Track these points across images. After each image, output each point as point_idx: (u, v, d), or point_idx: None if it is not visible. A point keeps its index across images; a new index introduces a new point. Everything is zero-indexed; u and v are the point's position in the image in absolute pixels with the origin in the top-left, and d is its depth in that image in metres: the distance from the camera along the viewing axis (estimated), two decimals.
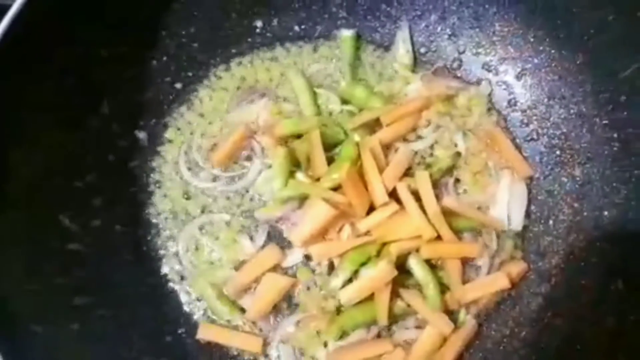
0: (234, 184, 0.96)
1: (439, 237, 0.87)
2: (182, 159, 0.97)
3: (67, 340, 0.72)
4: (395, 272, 0.83)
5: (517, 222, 0.92)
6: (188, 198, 0.95)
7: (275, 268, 0.90)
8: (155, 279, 0.91)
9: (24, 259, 0.73)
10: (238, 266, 0.91)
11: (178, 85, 1.00)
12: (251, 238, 0.93)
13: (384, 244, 0.87)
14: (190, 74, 1.01)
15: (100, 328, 0.79)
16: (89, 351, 0.75)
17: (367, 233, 0.88)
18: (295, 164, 0.93)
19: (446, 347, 0.85)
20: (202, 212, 0.94)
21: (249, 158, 0.97)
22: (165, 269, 0.92)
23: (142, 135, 0.97)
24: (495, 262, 0.90)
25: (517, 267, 0.90)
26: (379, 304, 0.84)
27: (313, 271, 0.90)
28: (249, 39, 1.03)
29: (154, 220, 0.94)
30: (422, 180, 0.89)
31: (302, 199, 0.90)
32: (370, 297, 0.85)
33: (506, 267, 0.90)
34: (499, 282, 0.88)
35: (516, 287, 0.90)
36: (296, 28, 1.04)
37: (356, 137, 0.93)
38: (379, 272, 0.83)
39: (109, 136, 0.91)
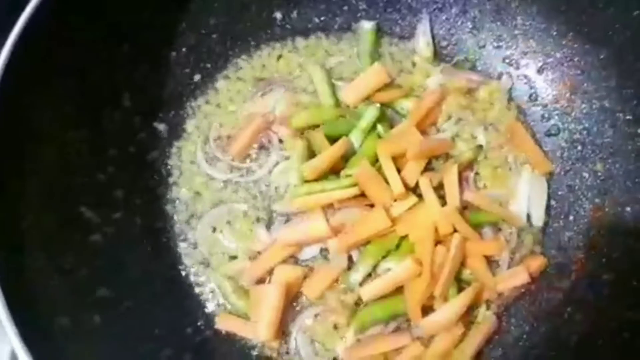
0: (251, 175, 0.96)
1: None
2: (199, 150, 0.97)
3: (89, 333, 0.73)
4: (420, 269, 0.83)
5: (538, 218, 0.92)
6: (206, 189, 0.95)
7: (291, 260, 0.90)
8: (174, 271, 0.91)
9: (46, 253, 0.73)
10: (254, 257, 0.91)
11: (197, 77, 1.00)
12: (268, 229, 0.93)
13: (404, 237, 0.88)
14: (208, 65, 1.00)
15: (121, 320, 0.79)
16: (110, 343, 0.76)
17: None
18: (312, 155, 0.93)
19: (466, 343, 0.85)
20: (220, 203, 0.94)
21: (266, 149, 0.97)
22: (184, 261, 0.92)
23: (162, 127, 0.97)
24: (515, 257, 0.90)
25: (536, 262, 0.90)
26: (411, 302, 0.84)
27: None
28: (268, 31, 1.03)
29: (171, 212, 0.94)
30: (450, 174, 0.89)
31: None
32: (391, 294, 0.86)
33: (526, 261, 0.90)
34: (519, 276, 0.87)
35: (536, 282, 0.90)
36: (316, 20, 1.04)
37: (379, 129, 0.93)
38: (404, 269, 0.83)
39: (130, 129, 0.92)
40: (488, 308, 0.89)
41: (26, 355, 0.61)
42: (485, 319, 0.88)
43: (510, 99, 0.99)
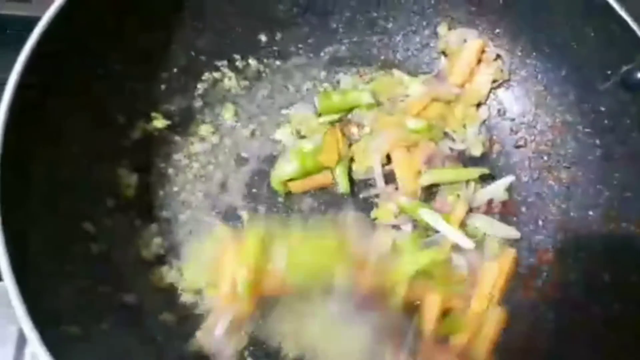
0: None
1: None
2: None
3: (98, 340, 0.75)
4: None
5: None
6: None
7: None
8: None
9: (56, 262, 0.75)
10: None
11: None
12: None
13: None
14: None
15: (125, 328, 0.81)
16: (118, 349, 0.78)
17: None
18: None
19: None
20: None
21: None
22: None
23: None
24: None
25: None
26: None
27: None
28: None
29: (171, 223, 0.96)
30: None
31: None
32: None
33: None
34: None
35: (510, 282, 0.96)
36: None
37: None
38: None
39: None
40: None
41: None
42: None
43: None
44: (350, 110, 1.04)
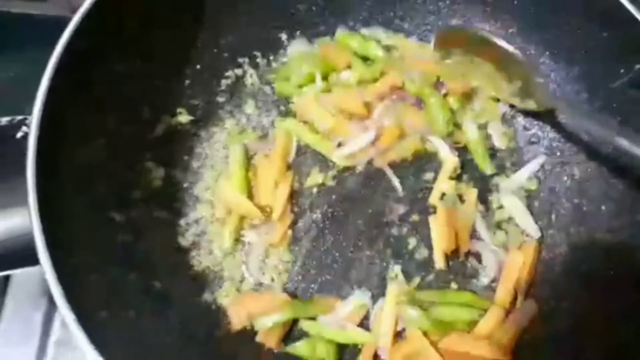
0: None
1: None
2: None
3: (125, 327, 0.78)
4: None
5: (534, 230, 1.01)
6: None
7: None
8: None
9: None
10: None
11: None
12: None
13: None
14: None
15: (150, 315, 0.84)
16: (144, 337, 0.80)
17: None
18: None
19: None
20: None
21: None
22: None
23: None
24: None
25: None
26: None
27: None
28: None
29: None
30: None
31: None
32: None
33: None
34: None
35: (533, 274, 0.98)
36: None
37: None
38: None
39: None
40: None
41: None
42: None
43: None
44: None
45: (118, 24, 0.88)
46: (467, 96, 1.07)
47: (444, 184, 1.01)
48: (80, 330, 0.67)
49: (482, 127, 1.06)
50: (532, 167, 1.05)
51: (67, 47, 0.79)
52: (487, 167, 1.05)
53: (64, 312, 0.66)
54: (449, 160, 1.02)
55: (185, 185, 1.00)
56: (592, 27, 0.96)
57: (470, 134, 1.04)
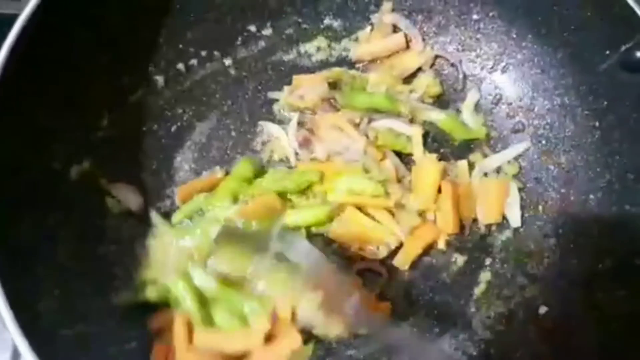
0: None
1: None
2: None
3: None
4: None
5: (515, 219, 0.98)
6: None
7: None
8: None
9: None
10: None
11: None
12: None
13: None
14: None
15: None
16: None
17: None
18: None
19: None
20: None
21: None
22: None
23: None
24: None
25: None
26: None
27: None
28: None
29: None
30: None
31: None
32: None
33: None
34: None
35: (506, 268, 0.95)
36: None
37: None
38: None
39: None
40: None
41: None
42: None
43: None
44: None
45: (74, 18, 0.84)
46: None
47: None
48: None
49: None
50: (515, 150, 1.01)
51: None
52: (463, 134, 1.03)
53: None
54: (414, 132, 0.99)
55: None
56: (577, 7, 0.91)
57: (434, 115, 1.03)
